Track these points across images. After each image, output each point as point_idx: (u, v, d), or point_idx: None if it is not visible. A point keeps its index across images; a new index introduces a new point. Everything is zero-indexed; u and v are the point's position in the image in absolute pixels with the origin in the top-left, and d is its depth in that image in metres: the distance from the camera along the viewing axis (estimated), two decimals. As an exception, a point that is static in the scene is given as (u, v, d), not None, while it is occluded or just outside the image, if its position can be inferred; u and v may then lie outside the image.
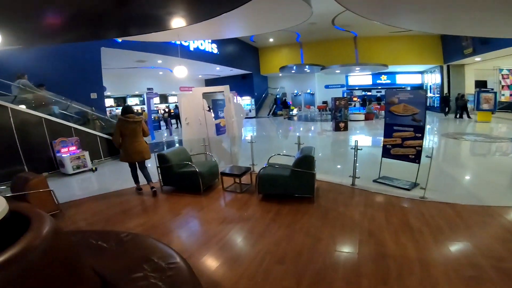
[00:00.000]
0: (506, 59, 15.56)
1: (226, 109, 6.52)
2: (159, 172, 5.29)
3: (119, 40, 10.51)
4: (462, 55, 15.46)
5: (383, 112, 17.70)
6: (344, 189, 4.89)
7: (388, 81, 22.92)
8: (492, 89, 17.58)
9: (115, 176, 7.05)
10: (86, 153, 7.54)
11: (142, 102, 18.60)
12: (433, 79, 20.32)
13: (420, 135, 4.64)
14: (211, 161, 5.67)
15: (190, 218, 4.17)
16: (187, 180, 5.09)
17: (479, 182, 5.26)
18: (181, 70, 7.93)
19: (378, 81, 23.12)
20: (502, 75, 18.76)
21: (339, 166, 6.63)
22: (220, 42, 16.86)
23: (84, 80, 9.56)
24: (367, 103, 19.97)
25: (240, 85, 21.63)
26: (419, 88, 22.57)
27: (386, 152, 5.12)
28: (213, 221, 3.96)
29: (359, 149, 4.87)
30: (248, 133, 13.83)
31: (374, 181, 5.12)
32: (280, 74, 22.93)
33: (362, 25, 16.13)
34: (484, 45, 13.26)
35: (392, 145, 5.02)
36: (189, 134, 6.44)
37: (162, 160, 5.16)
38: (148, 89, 17.52)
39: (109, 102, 18.09)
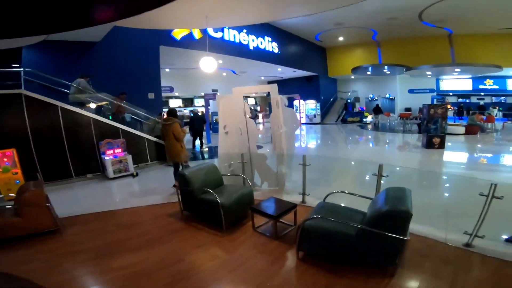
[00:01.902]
0: None
1: (273, 116, 4.87)
2: (179, 194, 4.01)
3: (178, 38, 9.89)
4: None
5: (490, 125, 13.48)
6: (451, 253, 2.76)
7: (495, 87, 17.89)
8: None
9: (153, 184, 6.21)
10: (129, 157, 6.86)
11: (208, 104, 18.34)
12: None
13: None
14: (245, 187, 4.10)
15: (192, 271, 2.74)
16: (208, 210, 3.66)
17: None
18: (208, 63, 6.47)
19: (481, 86, 18.25)
20: None
21: (438, 210, 4.22)
22: (281, 41, 15.28)
23: (141, 79, 9.11)
24: (465, 112, 15.75)
25: (304, 87, 19.75)
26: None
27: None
28: (222, 283, 2.52)
29: (497, 198, 2.64)
30: (304, 144, 11.87)
31: (509, 240, 2.85)
32: (353, 76, 20.09)
33: (459, 21, 12.84)
34: None
35: None
36: (226, 146, 5.00)
37: (183, 182, 3.82)
38: (213, 90, 17.09)
39: (177, 102, 18.38)
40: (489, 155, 8.46)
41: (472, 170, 6.60)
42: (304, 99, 19.21)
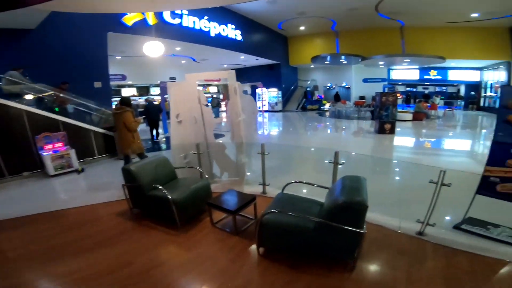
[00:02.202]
0: None
1: (230, 104, 4.64)
2: (125, 191, 3.66)
3: (129, 24, 9.05)
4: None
5: (433, 112, 14.71)
6: (406, 243, 2.84)
7: (439, 77, 19.50)
8: None
9: (101, 180, 5.63)
10: (72, 151, 6.14)
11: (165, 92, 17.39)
12: (496, 76, 16.70)
13: None
14: (201, 180, 3.86)
15: (144, 274, 2.47)
16: (159, 208, 3.38)
17: None
18: (153, 47, 5.97)
19: (426, 77, 19.77)
20: None
21: (392, 197, 4.39)
22: (245, 29, 14.94)
23: (85, 68, 8.18)
24: (412, 100, 16.96)
25: (267, 76, 19.69)
26: (476, 86, 18.93)
27: (487, 188, 2.95)
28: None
29: (446, 185, 2.75)
30: (267, 131, 11.89)
31: (457, 227, 3.01)
32: (312, 65, 20.44)
33: (411, 14, 13.53)
34: None
35: (501, 178, 2.84)
36: (180, 136, 4.67)
37: (128, 178, 3.46)
38: (171, 78, 16.19)
39: (131, 91, 17.13)
40: (433, 139, 9.22)
41: (420, 155, 7.09)
42: (267, 87, 19.18)
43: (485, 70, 17.93)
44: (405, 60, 16.11)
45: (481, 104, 18.28)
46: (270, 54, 17.78)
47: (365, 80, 20.68)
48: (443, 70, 19.08)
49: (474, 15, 12.97)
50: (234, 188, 3.75)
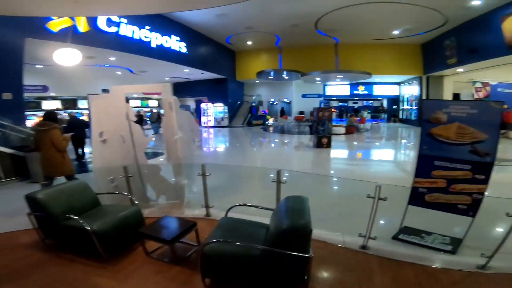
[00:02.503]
0: (485, 71, 14.73)
1: (165, 121, 4.22)
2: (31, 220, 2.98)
3: (55, 30, 7.96)
4: (445, 65, 14.32)
5: (362, 125, 16.18)
6: (352, 258, 2.79)
7: (366, 92, 21.72)
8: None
9: (6, 207, 4.60)
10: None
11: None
12: (410, 90, 19.30)
13: (483, 176, 2.66)
14: (130, 206, 3.34)
15: None
16: (78, 239, 2.79)
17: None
18: (68, 55, 5.24)
19: (356, 92, 21.84)
20: (475, 87, 18.17)
21: (332, 211, 4.41)
22: (191, 41, 14.53)
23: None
24: (345, 115, 18.45)
25: (213, 90, 19.40)
26: (396, 100, 21.56)
27: (417, 198, 3.10)
28: None
29: (382, 199, 2.78)
30: (212, 147, 11.53)
31: (395, 238, 3.09)
32: (257, 81, 20.87)
33: (344, 31, 14.69)
34: (471, 54, 12.09)
35: (428, 189, 3.01)
36: (105, 157, 4.04)
37: (35, 207, 2.80)
38: (103, 90, 14.68)
39: (55, 104, 15.04)
40: (365, 150, 10.04)
41: (355, 166, 7.56)
42: (213, 102, 18.84)
43: (402, 84, 20.57)
44: (338, 76, 17.48)
45: (400, 116, 20.85)
46: (217, 68, 17.52)
47: (304, 96, 21.90)
48: (369, 85, 21.30)
49: (395, 32, 14.73)
50: (174, 212, 3.33)
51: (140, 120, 14.18)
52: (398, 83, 20.96)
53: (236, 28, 14.88)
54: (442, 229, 3.13)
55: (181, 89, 20.84)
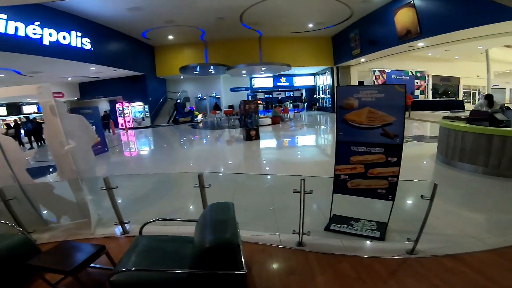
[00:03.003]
0: (382, 61, 16.91)
1: (47, 130, 3.29)
2: None
3: None
4: (351, 56, 15.88)
5: (286, 115, 16.81)
6: (291, 258, 2.59)
7: (287, 83, 22.71)
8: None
9: None
10: None
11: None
12: (324, 80, 20.95)
13: (395, 159, 2.71)
14: (13, 236, 2.47)
15: None
16: None
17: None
18: None
19: (279, 83, 22.66)
20: (375, 75, 20.89)
21: (265, 210, 4.18)
22: (96, 37, 12.64)
23: None
24: (271, 106, 18.95)
25: (129, 88, 17.43)
26: (313, 89, 23.19)
27: (340, 186, 3.06)
28: None
29: (308, 193, 2.61)
30: (131, 151, 10.28)
31: (327, 229, 3.02)
32: (182, 76, 19.67)
33: (267, 24, 14.90)
34: (371, 45, 13.59)
35: (349, 175, 2.98)
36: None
37: None
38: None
39: None
40: (290, 138, 10.30)
41: (283, 156, 7.58)
42: (130, 101, 16.87)
43: (318, 75, 22.19)
44: (262, 68, 17.73)
45: (318, 104, 22.55)
46: (132, 64, 15.80)
47: (232, 89, 21.68)
48: (290, 77, 22.36)
49: (310, 25, 15.54)
50: (82, 232, 2.57)
51: (16, 131, 11.78)
52: (314, 74, 22.53)
53: (154, 22, 13.68)
54: (369, 212, 3.19)
55: (89, 89, 18.29)
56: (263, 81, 22.49)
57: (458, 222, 3.09)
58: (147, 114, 16.81)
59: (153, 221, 2.58)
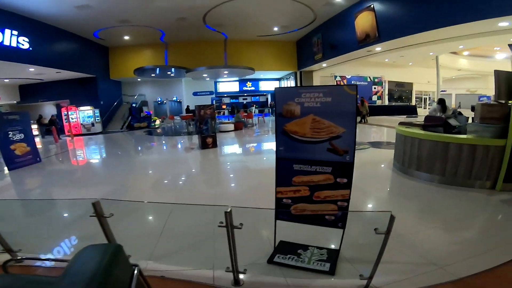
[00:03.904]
0: (343, 66, 17.14)
1: None
2: None
3: None
4: (313, 61, 15.81)
5: (250, 120, 16.23)
6: None
7: (253, 88, 22.25)
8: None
9: None
10: None
11: None
12: (288, 85, 20.81)
13: (345, 180, 2.15)
14: None
15: None
16: None
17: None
18: None
19: (245, 88, 22.11)
20: (336, 81, 21.25)
21: (193, 241, 3.43)
22: (36, 36, 11.32)
23: None
24: (236, 111, 18.28)
25: (78, 91, 15.77)
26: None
27: (283, 212, 2.44)
28: None
29: (237, 227, 1.94)
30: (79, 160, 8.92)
31: (271, 261, 2.39)
32: (139, 79, 18.26)
33: (232, 26, 14.36)
34: (332, 49, 13.56)
35: (293, 199, 2.37)
36: None
37: None
38: None
39: None
40: (251, 145, 9.66)
41: (238, 165, 6.88)
42: (78, 105, 15.15)
43: (282, 80, 22.01)
44: (225, 72, 17.04)
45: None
46: (81, 66, 14.38)
47: (195, 94, 20.65)
48: (256, 81, 21.94)
49: (275, 28, 15.17)
50: None
51: None
52: (279, 79, 22.33)
53: (106, 21, 12.56)
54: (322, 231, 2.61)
55: (32, 91, 16.33)
56: (228, 85, 21.79)
57: (418, 245, 2.63)
58: (98, 119, 15.18)
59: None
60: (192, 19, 13.01)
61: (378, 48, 11.70)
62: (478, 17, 7.05)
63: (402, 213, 3.43)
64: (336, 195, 2.19)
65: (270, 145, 9.46)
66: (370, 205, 3.90)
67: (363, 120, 14.34)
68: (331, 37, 13.62)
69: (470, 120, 5.25)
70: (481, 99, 20.75)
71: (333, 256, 2.39)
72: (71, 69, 13.74)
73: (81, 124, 14.90)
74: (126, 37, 15.51)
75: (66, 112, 14.13)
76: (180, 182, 5.32)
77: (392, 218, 1.74)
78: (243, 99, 22.71)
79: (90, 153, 10.09)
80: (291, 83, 19.99)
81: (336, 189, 2.17)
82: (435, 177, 4.39)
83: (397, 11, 9.57)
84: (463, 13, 7.30)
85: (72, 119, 14.65)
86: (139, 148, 10.67)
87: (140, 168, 6.94)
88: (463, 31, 8.52)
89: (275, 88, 2.21)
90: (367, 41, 11.14)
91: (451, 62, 21.20)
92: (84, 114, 15.05)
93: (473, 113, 4.60)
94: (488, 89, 24.93)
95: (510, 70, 3.54)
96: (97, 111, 15.18)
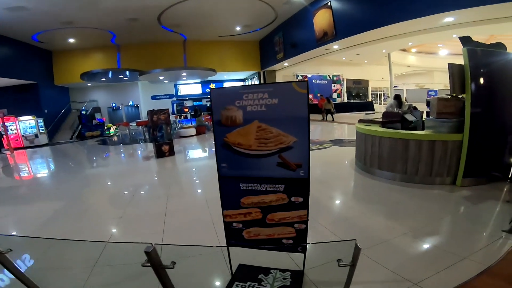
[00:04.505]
0: (303, 65, 17.25)
1: None
2: None
3: None
4: (275, 60, 15.62)
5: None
6: None
7: (216, 89, 21.50)
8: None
9: None
10: None
11: None
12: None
13: (301, 199, 1.76)
14: None
15: None
16: None
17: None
18: None
19: (208, 90, 21.29)
20: (298, 80, 21.44)
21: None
22: None
23: None
24: (198, 113, 17.54)
25: (18, 100, 13.92)
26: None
27: (235, 236, 2.00)
28: None
29: (167, 267, 1.43)
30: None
31: None
32: (89, 84, 16.62)
33: (191, 27, 13.52)
34: (292, 48, 13.46)
35: (244, 223, 1.93)
36: None
37: None
38: None
39: None
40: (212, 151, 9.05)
41: (197, 175, 6.30)
42: (18, 115, 13.29)
43: (247, 80, 21.61)
44: (183, 74, 16.17)
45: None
46: (18, 72, 12.73)
47: (154, 97, 19.39)
48: (220, 83, 21.21)
49: (238, 28, 14.64)
50: None
51: None
52: (243, 79, 21.91)
53: (47, 23, 11.19)
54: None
55: None
56: (190, 88, 20.81)
57: (390, 259, 2.35)
58: (42, 130, 13.43)
59: None
60: (145, 19, 12.05)
61: (335, 46, 11.80)
62: (426, 12, 7.31)
63: (369, 220, 3.18)
64: (292, 216, 1.80)
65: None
66: (333, 213, 3.61)
67: (325, 118, 14.46)
68: (291, 36, 13.52)
69: (425, 115, 5.28)
70: (429, 93, 22.30)
71: (298, 279, 2.01)
72: (4, 75, 12.04)
73: (23, 136, 13.08)
74: (71, 40, 13.96)
75: (2, 124, 12.26)
76: (126, 198, 4.62)
77: (357, 249, 1.38)
78: (207, 101, 21.90)
79: (32, 168, 8.74)
80: (254, 83, 19.67)
81: (292, 210, 1.78)
82: (397, 176, 4.27)
83: (352, 8, 9.68)
84: (412, 10, 7.53)
85: (11, 130, 12.81)
86: (88, 160, 9.51)
87: (85, 183, 6.00)
88: (412, 27, 8.83)
89: (211, 89, 1.75)
90: (325, 39, 11.16)
91: (401, 59, 22.48)
92: (25, 124, 13.22)
93: (428, 108, 4.58)
94: (434, 83, 27.06)
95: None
96: (40, 120, 13.40)
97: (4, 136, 12.04)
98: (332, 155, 6.59)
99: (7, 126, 12.43)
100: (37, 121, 13.31)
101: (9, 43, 12.30)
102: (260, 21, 13.80)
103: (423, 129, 4.69)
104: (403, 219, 3.17)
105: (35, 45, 13.84)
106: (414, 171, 4.06)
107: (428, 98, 21.64)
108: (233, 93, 1.68)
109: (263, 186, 1.76)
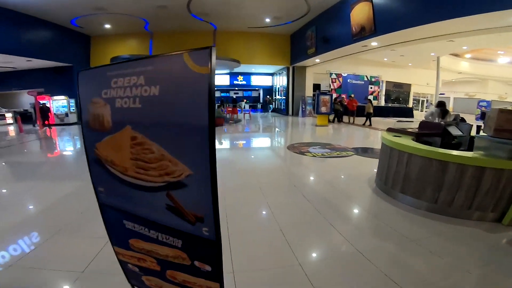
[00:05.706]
0: (339, 63, 15.89)
1: None
2: None
3: None
4: (306, 55, 14.50)
5: (235, 116, 14.84)
6: None
7: (244, 82, 20.96)
8: (329, 91, 17.95)
9: None
10: None
11: None
12: (281, 81, 19.49)
13: (209, 268, 0.99)
14: None
15: None
16: None
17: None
18: None
19: (235, 82, 20.83)
20: (331, 78, 19.93)
21: None
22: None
23: None
24: (225, 105, 17.14)
25: (53, 81, 14.63)
26: (270, 90, 21.54)
27: (134, 277, 1.30)
28: None
29: None
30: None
31: None
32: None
33: (220, 16, 12.98)
34: (324, 43, 12.29)
35: (140, 268, 1.23)
36: None
37: None
38: None
39: None
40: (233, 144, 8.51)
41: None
42: (53, 94, 14.07)
43: (275, 75, 20.65)
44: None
45: (274, 106, 21.04)
46: (56, 55, 13.28)
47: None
48: (247, 75, 20.60)
49: (267, 20, 13.83)
50: None
51: None
52: (272, 74, 21.03)
53: (81, 9, 11.40)
54: None
55: (4, 79, 15.57)
56: (218, 78, 20.52)
57: None
58: (72, 110, 14.02)
59: None
60: (174, 7, 11.78)
61: (374, 43, 10.45)
62: (485, 8, 5.83)
63: (365, 266, 2.27)
64: (200, 284, 1.05)
65: (239, 146, 8.33)
66: (322, 248, 2.75)
67: (369, 122, 12.59)
68: (325, 30, 12.33)
69: (474, 130, 4.08)
70: (480, 103, 19.43)
71: None
72: (43, 57, 12.66)
73: (55, 113, 13.77)
74: (107, 26, 14.30)
75: (40, 102, 13.04)
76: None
77: None
78: (234, 93, 21.46)
79: (59, 144, 9.08)
80: (283, 78, 18.70)
81: (197, 276, 1.03)
82: (424, 204, 3.26)
83: (396, 1, 8.36)
84: (471, 3, 6.08)
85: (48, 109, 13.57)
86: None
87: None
88: (467, 26, 7.29)
89: (79, 71, 1.08)
90: (362, 34, 9.89)
91: (452, 65, 19.91)
92: (58, 104, 13.91)
93: (478, 120, 3.43)
94: (487, 93, 23.65)
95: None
96: (72, 101, 14.01)
97: (49, 113, 12.85)
98: (350, 167, 5.58)
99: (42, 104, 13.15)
100: (69, 101, 13.90)
101: (49, 27, 12.82)
102: (291, 13, 12.83)
103: (470, 148, 3.57)
104: (416, 267, 2.22)
105: (75, 30, 14.35)
106: (448, 201, 3.02)
107: (478, 109, 18.82)
108: (100, 76, 0.97)
109: (152, 232, 1.04)
